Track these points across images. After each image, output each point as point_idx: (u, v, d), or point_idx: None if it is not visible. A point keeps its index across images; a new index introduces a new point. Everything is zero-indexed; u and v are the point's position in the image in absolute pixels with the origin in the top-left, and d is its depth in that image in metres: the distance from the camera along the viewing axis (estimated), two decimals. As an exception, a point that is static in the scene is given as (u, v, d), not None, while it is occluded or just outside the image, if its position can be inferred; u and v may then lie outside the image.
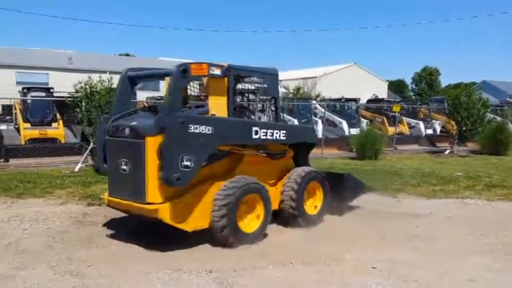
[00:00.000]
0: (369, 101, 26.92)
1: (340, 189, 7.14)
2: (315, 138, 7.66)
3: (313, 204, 6.82)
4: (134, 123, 5.33)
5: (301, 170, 6.62)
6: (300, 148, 6.99)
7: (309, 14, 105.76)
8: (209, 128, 5.24)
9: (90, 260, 4.94)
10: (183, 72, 5.15)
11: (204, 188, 5.42)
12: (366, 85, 41.83)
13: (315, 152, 15.78)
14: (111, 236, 5.80)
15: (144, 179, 5.06)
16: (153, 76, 6.41)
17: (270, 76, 6.54)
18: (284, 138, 6.37)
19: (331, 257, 5.16)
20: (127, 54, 47.59)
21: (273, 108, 6.69)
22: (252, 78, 6.52)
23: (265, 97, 7.49)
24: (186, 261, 4.90)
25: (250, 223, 5.69)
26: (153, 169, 5.03)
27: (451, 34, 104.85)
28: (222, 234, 5.30)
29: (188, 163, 5.04)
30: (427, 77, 64.21)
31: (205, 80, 5.82)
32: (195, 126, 5.11)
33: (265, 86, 6.62)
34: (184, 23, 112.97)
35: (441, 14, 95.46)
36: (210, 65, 5.44)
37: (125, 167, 5.28)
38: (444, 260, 5.20)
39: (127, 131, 5.31)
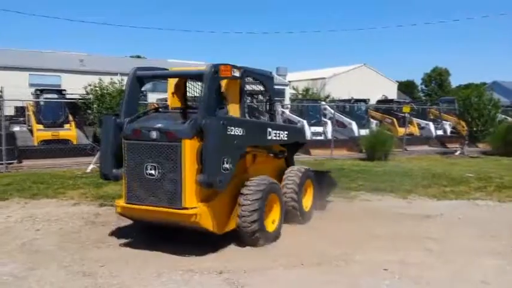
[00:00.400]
0: (378, 102, 26.86)
1: (322, 185, 7.45)
2: (305, 138, 7.81)
3: (307, 202, 6.92)
4: (163, 125, 5.09)
5: (297, 170, 6.70)
6: (290, 148, 7.07)
7: (318, 14, 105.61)
8: (241, 129, 5.26)
9: (102, 260, 5.00)
10: (215, 73, 5.14)
11: (229, 190, 5.36)
12: (375, 86, 41.64)
13: (324, 153, 15.97)
14: (123, 237, 5.84)
15: (181, 183, 4.92)
16: (182, 76, 6.14)
17: (269, 78, 6.68)
18: (286, 138, 6.48)
19: (342, 258, 5.16)
20: (138, 56, 47.84)
21: (269, 109, 6.83)
22: (248, 79, 6.49)
23: (263, 99, 7.53)
24: (197, 262, 4.94)
25: (270, 222, 5.75)
26: (190, 173, 4.92)
27: (461, 34, 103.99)
28: (254, 238, 5.37)
29: (227, 165, 5.04)
30: (437, 78, 63.69)
31: (223, 81, 5.75)
32: (232, 127, 5.10)
33: (263, 88, 6.66)
34: (194, 25, 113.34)
35: (451, 13, 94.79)
36: (233, 66, 5.45)
37: (152, 172, 5.03)
38: (456, 261, 5.18)
39: (156, 133, 5.04)
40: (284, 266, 4.91)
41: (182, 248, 5.28)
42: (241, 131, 5.25)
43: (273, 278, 4.61)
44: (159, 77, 6.40)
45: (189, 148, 4.91)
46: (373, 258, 5.23)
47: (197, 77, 5.74)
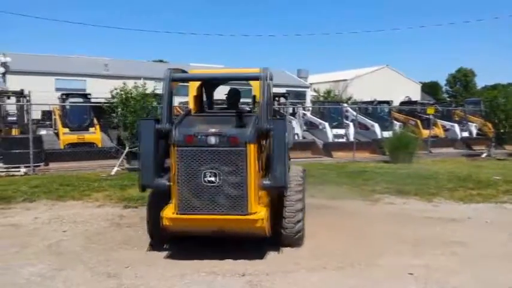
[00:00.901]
0: (401, 104, 26.47)
1: None
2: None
3: None
4: (222, 130, 4.94)
5: (296, 169, 6.41)
6: None
7: (340, 16, 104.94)
8: (287, 131, 5.32)
9: (127, 261, 5.07)
10: (270, 77, 5.25)
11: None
12: (398, 87, 41.12)
13: (346, 155, 15.86)
14: (148, 238, 5.84)
15: (246, 189, 4.83)
16: (234, 79, 6.08)
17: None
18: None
19: (365, 262, 5.10)
20: (160, 60, 48.45)
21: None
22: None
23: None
24: (220, 264, 4.95)
25: None
26: (254, 177, 4.88)
27: (487, 34, 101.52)
28: (296, 237, 5.43)
29: (287, 167, 5.15)
30: (462, 79, 62.49)
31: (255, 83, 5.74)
32: (286, 130, 5.17)
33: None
34: (214, 29, 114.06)
35: (475, 13, 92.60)
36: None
37: (212, 179, 4.84)
38: (483, 266, 5.06)
39: (215, 139, 4.87)
40: (306, 269, 4.88)
41: (205, 251, 5.31)
42: (287, 133, 5.33)
43: (295, 281, 4.59)
44: (194, 79, 6.16)
45: (253, 152, 4.87)
46: (398, 262, 5.16)
47: (251, 79, 5.73)
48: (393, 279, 4.65)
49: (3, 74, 26.37)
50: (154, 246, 5.57)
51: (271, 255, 5.28)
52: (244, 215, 4.84)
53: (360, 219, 7.23)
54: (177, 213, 4.91)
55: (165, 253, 5.37)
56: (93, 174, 11.38)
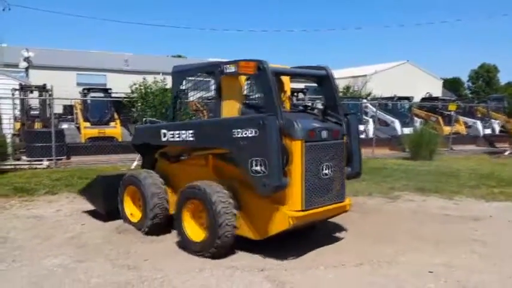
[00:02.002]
0: (422, 100, 26.07)
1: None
2: None
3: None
4: (324, 124, 5.17)
5: None
6: None
7: (360, 11, 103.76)
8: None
9: (147, 254, 5.13)
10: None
11: None
12: (419, 83, 40.45)
13: (365, 151, 15.62)
14: (167, 232, 5.91)
15: (343, 178, 5.35)
16: (303, 76, 6.20)
17: None
18: None
19: (384, 260, 5.05)
20: (178, 56, 48.75)
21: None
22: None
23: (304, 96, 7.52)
24: (239, 259, 4.97)
25: None
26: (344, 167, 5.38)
27: (510, 29, 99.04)
28: None
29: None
30: (485, 75, 61.25)
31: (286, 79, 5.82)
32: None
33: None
34: (233, 24, 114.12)
35: (500, 8, 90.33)
36: None
37: (327, 171, 5.02)
38: (505, 265, 4.96)
39: (325, 133, 5.04)
40: (325, 266, 4.86)
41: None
42: None
43: (314, 277, 4.58)
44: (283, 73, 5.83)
45: (345, 144, 5.38)
46: (418, 260, 5.09)
47: (319, 76, 5.74)
48: (413, 277, 4.60)
49: (27, 69, 26.87)
50: (174, 240, 5.56)
51: (290, 251, 5.25)
52: (342, 201, 5.37)
53: (379, 216, 7.17)
54: (303, 210, 4.85)
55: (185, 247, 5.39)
56: (113, 168, 11.52)
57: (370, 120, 19.35)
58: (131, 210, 6.27)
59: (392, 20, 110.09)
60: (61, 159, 12.68)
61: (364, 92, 33.28)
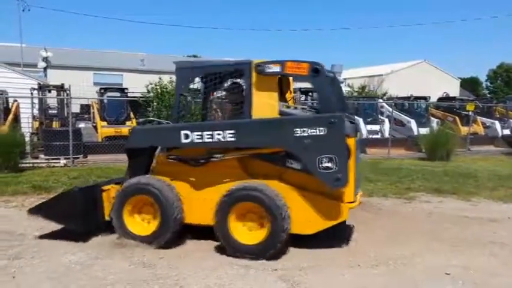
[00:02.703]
0: (439, 100, 25.74)
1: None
2: None
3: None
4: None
5: None
6: None
7: (377, 10, 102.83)
8: None
9: (162, 253, 5.16)
10: None
11: None
12: (436, 83, 39.91)
13: (381, 152, 15.57)
14: (184, 231, 5.71)
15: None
16: None
17: None
18: None
19: (400, 261, 5.01)
20: (194, 55, 48.91)
21: None
22: None
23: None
24: (254, 259, 4.95)
25: None
26: None
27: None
28: None
29: None
30: (504, 74, 60.15)
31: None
32: None
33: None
34: (249, 23, 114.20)
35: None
36: None
37: (358, 163, 5.58)
38: (525, 269, 4.87)
39: (356, 129, 5.68)
40: (340, 266, 4.84)
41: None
42: None
43: (328, 277, 4.56)
44: None
45: None
46: (434, 261, 5.04)
47: None
48: (429, 278, 4.55)
49: (45, 69, 27.24)
50: (190, 239, 5.59)
51: (305, 251, 5.24)
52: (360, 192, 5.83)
53: (395, 217, 7.10)
54: (354, 201, 5.24)
55: (200, 246, 5.43)
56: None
57: (386, 120, 19.19)
58: (135, 223, 5.53)
59: (410, 18, 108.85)
60: (78, 157, 12.85)
61: (379, 91, 33.01)
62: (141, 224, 5.52)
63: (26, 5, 29.82)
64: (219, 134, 5.17)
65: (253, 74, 5.26)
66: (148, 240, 5.32)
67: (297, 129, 4.89)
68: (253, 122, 5.19)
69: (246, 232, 5.12)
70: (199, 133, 5.24)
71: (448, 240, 5.82)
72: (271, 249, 4.93)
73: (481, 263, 5.00)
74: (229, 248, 5.08)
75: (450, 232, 6.23)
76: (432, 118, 21.00)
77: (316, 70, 5.05)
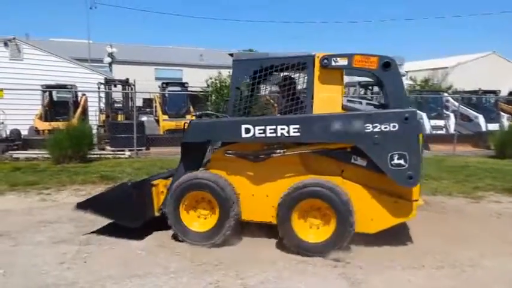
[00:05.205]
0: (510, 94, 24.17)
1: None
2: None
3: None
4: None
5: None
6: None
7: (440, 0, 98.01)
8: None
9: (221, 243, 5.19)
10: None
11: None
12: (506, 76, 37.53)
13: (445, 148, 14.89)
14: (242, 223, 5.57)
15: None
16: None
17: None
18: None
19: (468, 263, 4.77)
20: (250, 50, 49.21)
21: None
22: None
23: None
24: (310, 255, 4.89)
25: None
26: None
27: None
28: None
29: None
30: None
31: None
32: None
33: None
34: (307, 16, 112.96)
35: None
36: None
37: None
38: None
39: None
40: (403, 267, 4.69)
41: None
42: None
43: (390, 277, 4.43)
44: None
45: None
46: (504, 264, 4.76)
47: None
48: (499, 283, 4.31)
49: (110, 64, 28.55)
50: (248, 230, 5.53)
51: (364, 249, 5.08)
52: None
53: (461, 217, 6.77)
54: (417, 199, 5.15)
55: (259, 240, 5.41)
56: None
57: (451, 115, 18.32)
58: (192, 219, 5.42)
59: (476, 7, 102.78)
60: (141, 149, 13.39)
61: (444, 85, 31.55)
62: (198, 220, 5.41)
63: (94, 2, 31.50)
64: (283, 129, 5.01)
65: (317, 67, 5.12)
66: (206, 236, 5.24)
67: (368, 125, 4.77)
68: (319, 117, 5.00)
69: (309, 229, 5.04)
70: (262, 127, 5.06)
71: (520, 244, 5.47)
72: (337, 246, 4.87)
73: (558, 270, 4.66)
74: (293, 246, 4.98)
75: (523, 235, 5.85)
76: (502, 113, 19.78)
77: (387, 64, 4.87)
